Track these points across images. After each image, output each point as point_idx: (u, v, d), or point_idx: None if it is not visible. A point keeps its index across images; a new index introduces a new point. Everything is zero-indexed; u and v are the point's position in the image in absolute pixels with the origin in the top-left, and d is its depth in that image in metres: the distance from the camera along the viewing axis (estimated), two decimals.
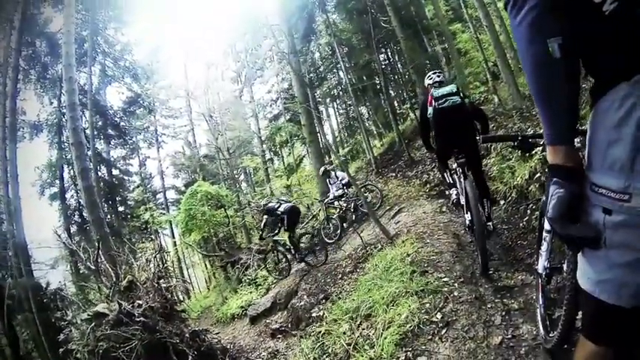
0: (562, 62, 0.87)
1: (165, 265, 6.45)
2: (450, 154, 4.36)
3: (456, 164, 4.20)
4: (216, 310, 12.57)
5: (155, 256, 6.06)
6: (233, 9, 21.74)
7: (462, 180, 3.98)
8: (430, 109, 4.23)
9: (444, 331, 2.71)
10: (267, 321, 7.01)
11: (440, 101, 4.09)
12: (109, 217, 17.79)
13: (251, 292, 9.76)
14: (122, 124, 21.73)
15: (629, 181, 0.82)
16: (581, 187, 0.94)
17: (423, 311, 2.99)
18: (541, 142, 2.45)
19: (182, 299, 15.59)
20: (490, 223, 4.10)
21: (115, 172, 21.29)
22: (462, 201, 4.05)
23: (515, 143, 1.86)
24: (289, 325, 5.99)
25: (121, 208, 20.74)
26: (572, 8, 0.85)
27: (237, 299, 10.44)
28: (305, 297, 5.89)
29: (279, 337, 6.13)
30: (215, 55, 27.94)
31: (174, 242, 22.72)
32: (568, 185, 0.95)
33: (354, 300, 3.90)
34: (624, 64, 0.81)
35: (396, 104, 19.43)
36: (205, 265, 23.58)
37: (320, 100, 21.48)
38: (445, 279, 3.42)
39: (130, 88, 21.96)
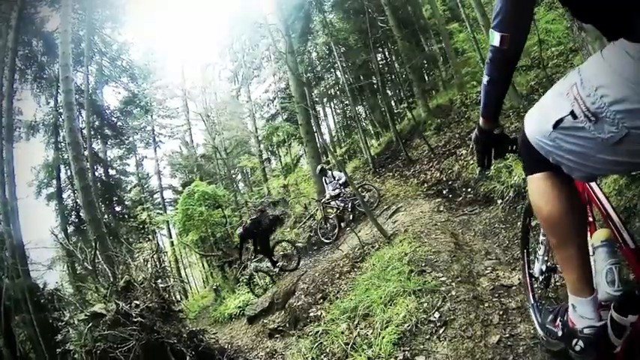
0: (499, 50, 1.11)
1: (163, 265, 6.42)
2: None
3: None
4: (213, 310, 12.58)
5: (152, 257, 6.05)
6: (230, 9, 21.66)
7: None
8: (249, 221, 8.90)
9: (441, 330, 2.71)
10: (265, 321, 7.00)
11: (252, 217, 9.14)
12: (106, 217, 17.72)
13: (248, 292, 9.75)
14: (119, 123, 21.66)
15: None
16: (485, 140, 1.45)
17: (420, 311, 2.99)
18: None
19: (179, 299, 15.55)
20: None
21: (112, 172, 21.24)
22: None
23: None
24: (287, 325, 5.98)
25: (118, 208, 20.68)
26: None
27: (234, 299, 10.45)
28: (303, 297, 5.88)
29: (276, 337, 6.12)
30: (212, 54, 27.86)
31: (172, 242, 22.72)
32: (478, 135, 1.45)
33: (352, 299, 3.90)
34: None
35: (393, 104, 19.45)
36: (203, 265, 23.55)
37: (317, 99, 21.49)
38: (443, 278, 3.42)
39: (127, 88, 21.93)
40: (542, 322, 1.77)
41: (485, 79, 1.28)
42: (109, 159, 21.23)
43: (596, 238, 1.26)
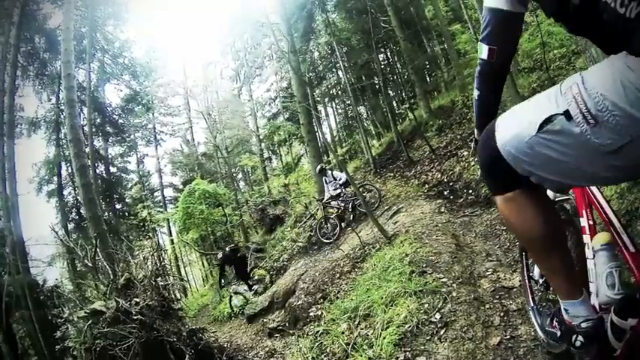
0: (488, 62, 1.16)
1: (163, 263, 6.43)
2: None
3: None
4: (213, 308, 12.57)
5: (153, 254, 6.03)
6: (233, 7, 21.66)
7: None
8: (228, 249, 10.23)
9: (442, 331, 2.71)
10: (265, 320, 7.01)
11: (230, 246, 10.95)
12: (106, 214, 17.73)
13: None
14: (120, 121, 21.66)
15: None
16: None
17: (421, 311, 2.98)
18: None
19: (179, 297, 15.54)
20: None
21: (112, 169, 21.24)
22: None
23: None
24: (287, 325, 5.99)
25: (118, 206, 20.67)
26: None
27: (234, 298, 10.44)
28: (303, 296, 5.89)
29: (276, 336, 6.13)
30: (214, 53, 27.92)
31: (172, 240, 22.75)
32: (474, 146, 1.50)
33: (352, 300, 3.90)
34: None
35: (395, 104, 19.44)
36: (202, 264, 23.59)
37: (319, 99, 21.48)
38: (444, 279, 3.41)
39: (129, 86, 21.91)
40: (542, 325, 1.76)
41: (475, 93, 1.30)
42: (110, 156, 21.25)
43: (597, 241, 1.26)
